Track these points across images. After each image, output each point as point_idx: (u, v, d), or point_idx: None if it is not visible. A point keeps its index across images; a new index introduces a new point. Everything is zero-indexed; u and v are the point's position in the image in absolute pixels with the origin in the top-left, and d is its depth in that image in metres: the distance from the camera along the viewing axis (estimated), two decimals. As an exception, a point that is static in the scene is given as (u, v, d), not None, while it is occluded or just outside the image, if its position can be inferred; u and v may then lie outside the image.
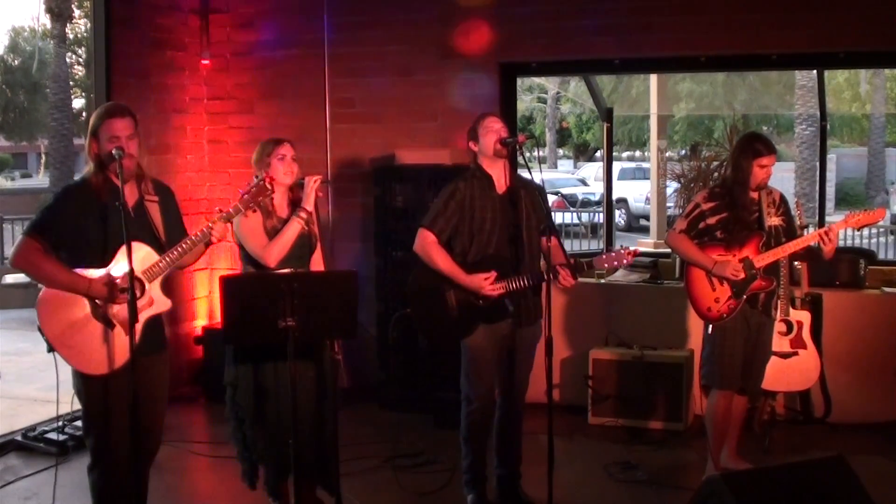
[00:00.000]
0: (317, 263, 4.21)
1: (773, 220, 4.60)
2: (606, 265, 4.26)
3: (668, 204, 10.67)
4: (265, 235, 3.97)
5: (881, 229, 14.64)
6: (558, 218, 16.14)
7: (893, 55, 6.22)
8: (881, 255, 11.01)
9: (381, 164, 6.34)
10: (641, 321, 6.02)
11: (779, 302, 4.97)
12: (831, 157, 22.30)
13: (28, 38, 29.46)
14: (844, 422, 5.68)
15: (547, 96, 28.00)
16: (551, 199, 9.14)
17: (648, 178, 14.23)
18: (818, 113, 9.87)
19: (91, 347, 3.50)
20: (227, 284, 3.61)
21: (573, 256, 4.27)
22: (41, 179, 30.63)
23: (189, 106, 6.76)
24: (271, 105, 6.75)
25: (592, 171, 23.46)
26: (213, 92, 6.86)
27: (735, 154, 4.62)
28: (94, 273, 3.50)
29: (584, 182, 22.68)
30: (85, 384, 3.58)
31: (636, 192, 19.39)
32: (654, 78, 11.00)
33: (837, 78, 22.11)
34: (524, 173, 4.44)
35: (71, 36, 25.35)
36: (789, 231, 4.65)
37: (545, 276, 4.02)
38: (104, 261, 3.51)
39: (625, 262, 4.25)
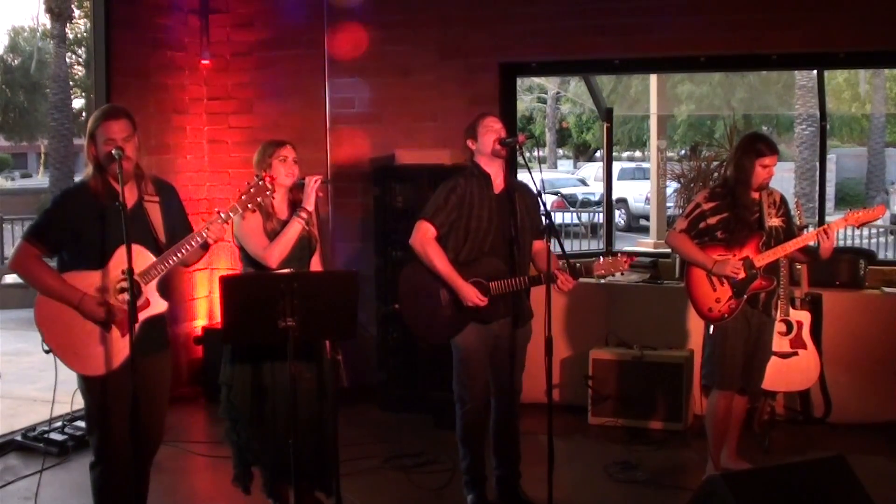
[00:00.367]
0: (315, 265, 4.19)
1: (773, 221, 4.60)
2: (603, 271, 4.22)
3: (668, 204, 10.65)
4: (265, 237, 3.96)
5: (881, 229, 14.65)
6: (558, 218, 16.13)
7: (893, 55, 6.22)
8: (881, 255, 11.03)
9: (381, 165, 6.34)
10: (641, 321, 6.02)
11: (779, 302, 4.97)
12: (831, 158, 22.29)
13: (28, 38, 29.48)
14: (844, 422, 5.68)
15: (547, 96, 27.99)
16: (551, 199, 9.11)
17: (648, 179, 14.20)
18: (818, 113, 9.88)
19: (88, 348, 3.50)
20: (227, 284, 3.60)
21: (572, 257, 4.25)
22: (41, 179, 30.58)
23: (189, 106, 6.76)
24: (271, 105, 6.75)
25: (592, 171, 23.48)
26: (212, 92, 6.86)
27: (737, 154, 4.61)
28: (90, 275, 3.49)
29: (583, 182, 22.70)
30: (86, 383, 3.60)
31: (636, 193, 19.39)
32: (653, 78, 10.98)
33: (837, 78, 22.11)
34: (524, 173, 4.43)
35: (71, 36, 25.36)
36: (788, 233, 4.65)
37: (542, 279, 4.01)
38: (103, 262, 3.51)
39: (622, 270, 4.23)
